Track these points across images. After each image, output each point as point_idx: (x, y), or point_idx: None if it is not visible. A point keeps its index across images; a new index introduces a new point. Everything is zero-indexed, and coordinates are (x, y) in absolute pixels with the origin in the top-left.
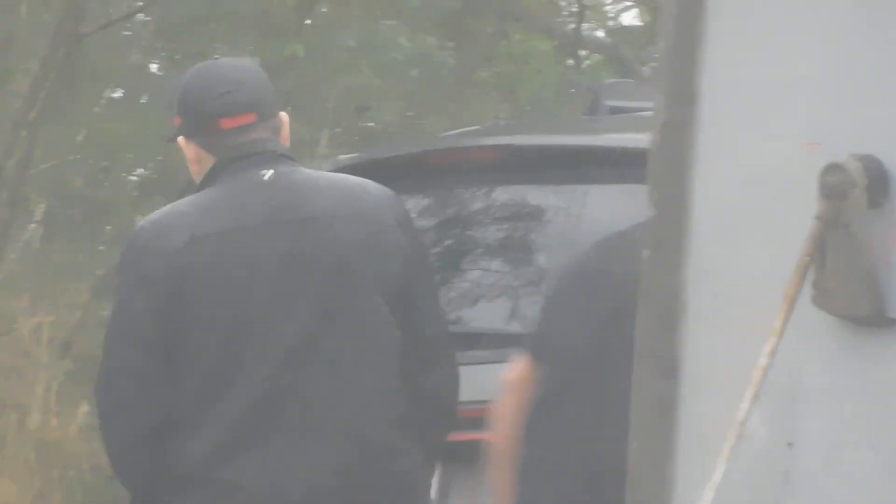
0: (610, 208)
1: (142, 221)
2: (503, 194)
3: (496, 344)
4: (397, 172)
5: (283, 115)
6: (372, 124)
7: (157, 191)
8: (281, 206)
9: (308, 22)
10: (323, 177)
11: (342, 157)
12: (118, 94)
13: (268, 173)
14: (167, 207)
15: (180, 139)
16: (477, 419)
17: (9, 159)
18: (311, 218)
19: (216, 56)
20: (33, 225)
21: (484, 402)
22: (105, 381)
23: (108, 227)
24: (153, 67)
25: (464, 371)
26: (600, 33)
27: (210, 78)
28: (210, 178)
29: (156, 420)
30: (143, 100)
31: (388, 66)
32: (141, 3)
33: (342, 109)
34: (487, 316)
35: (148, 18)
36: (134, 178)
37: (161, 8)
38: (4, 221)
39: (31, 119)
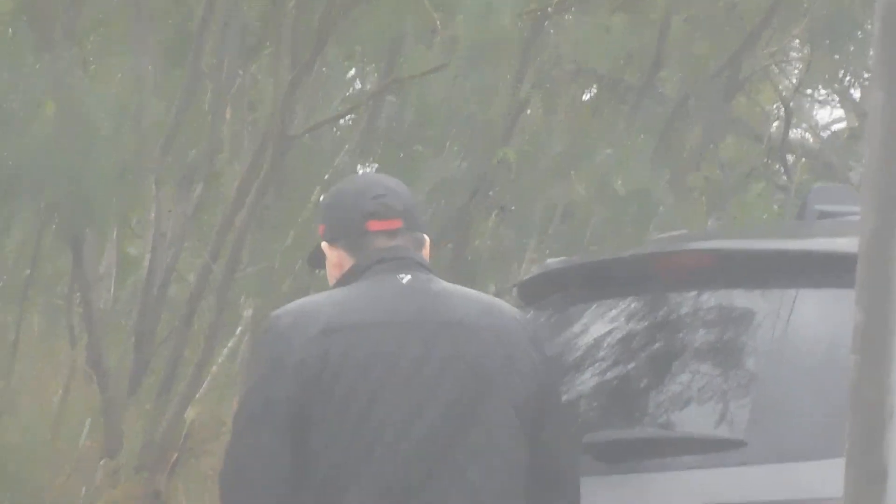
0: (819, 313)
1: (277, 311)
2: (712, 298)
3: (705, 449)
4: (607, 276)
5: (426, 237)
6: (579, 229)
7: None
8: (419, 308)
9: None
10: (458, 288)
11: (550, 260)
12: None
13: (406, 277)
14: (303, 299)
15: (323, 244)
16: None
17: (215, 263)
18: (450, 322)
19: (425, 158)
20: (239, 329)
21: None
22: (234, 463)
23: None
24: (360, 170)
25: (674, 476)
26: (808, 136)
27: (363, 183)
28: (348, 277)
29: (283, 502)
30: None
31: (601, 192)
32: (349, 106)
33: (550, 214)
34: (697, 419)
35: (355, 119)
36: None
37: (369, 110)
38: (212, 325)
39: (237, 223)
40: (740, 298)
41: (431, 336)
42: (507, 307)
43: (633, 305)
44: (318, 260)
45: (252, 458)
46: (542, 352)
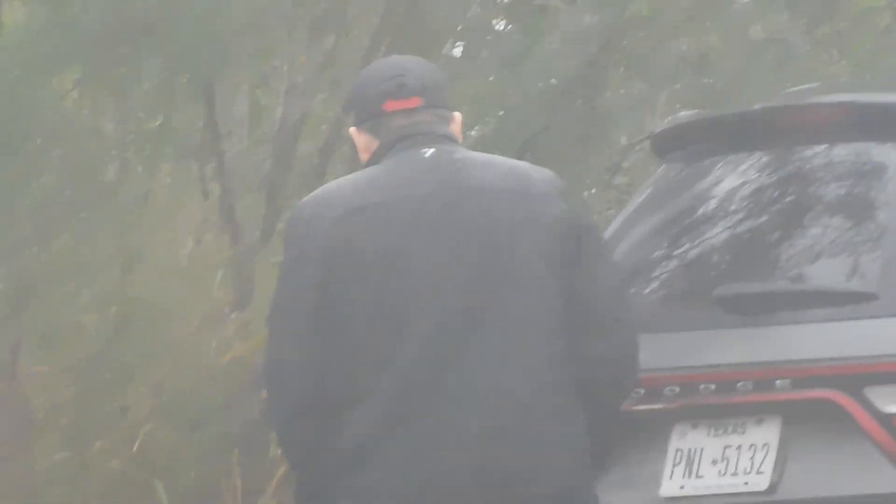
0: None
1: (304, 199)
2: (843, 151)
3: (837, 301)
4: (736, 130)
5: (457, 115)
6: (711, 81)
7: (496, 148)
8: (441, 179)
9: None
10: (483, 156)
11: (682, 113)
12: (457, 50)
13: (429, 151)
14: (326, 185)
15: (352, 130)
16: (817, 377)
17: (347, 115)
18: (472, 189)
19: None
20: None
21: (828, 359)
22: (271, 354)
23: None
24: (494, 24)
25: (804, 329)
26: None
27: (381, 67)
28: (374, 159)
29: (320, 392)
30: (484, 55)
31: (738, 42)
32: None
33: (682, 67)
34: (828, 273)
35: None
36: (472, 134)
37: None
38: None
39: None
40: (872, 151)
41: (454, 204)
42: (531, 169)
43: (764, 159)
44: None
45: (285, 350)
46: (574, 203)
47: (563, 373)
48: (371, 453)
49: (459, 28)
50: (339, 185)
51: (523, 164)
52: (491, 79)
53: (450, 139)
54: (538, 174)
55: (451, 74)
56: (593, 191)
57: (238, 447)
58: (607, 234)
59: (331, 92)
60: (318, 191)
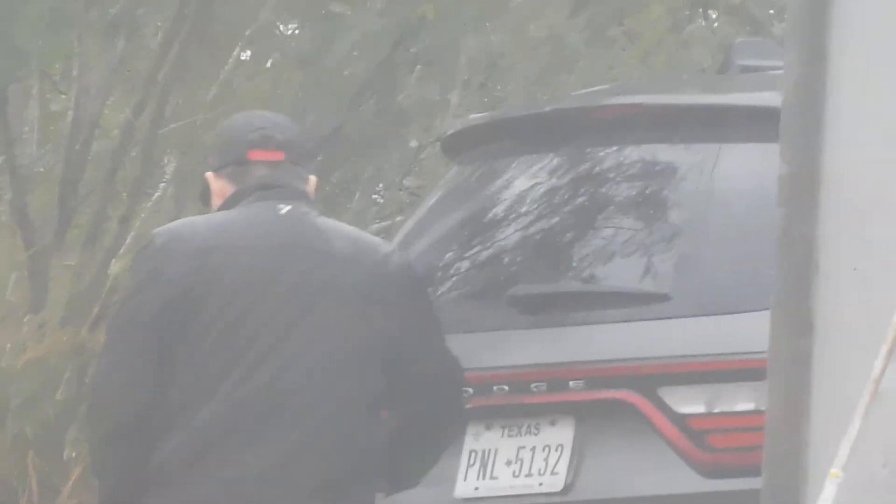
0: (742, 166)
1: (158, 229)
2: (635, 152)
3: (630, 302)
4: (529, 131)
5: (313, 178)
6: (500, 88)
7: None
8: (292, 236)
9: None
10: (335, 223)
11: (473, 116)
12: (246, 55)
13: (285, 208)
14: (182, 220)
15: (208, 174)
16: (611, 378)
17: (139, 117)
18: (320, 252)
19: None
20: (163, 184)
21: (621, 359)
22: (100, 371)
23: None
24: (282, 28)
25: (597, 329)
26: None
27: (249, 117)
28: (227, 203)
29: (139, 416)
30: (271, 61)
31: (517, 40)
32: None
33: (472, 70)
34: (620, 274)
35: None
36: None
37: None
38: (137, 179)
39: (161, 77)
40: (664, 152)
41: (300, 265)
42: (380, 242)
43: (556, 160)
44: (207, 197)
45: (113, 370)
46: (410, 283)
47: (363, 438)
48: (173, 475)
49: (249, 32)
50: (193, 222)
51: (372, 240)
52: (283, 81)
53: (306, 199)
54: (388, 253)
55: (242, 76)
56: (383, 193)
57: (34, 448)
58: (399, 235)
59: (122, 94)
60: (174, 224)
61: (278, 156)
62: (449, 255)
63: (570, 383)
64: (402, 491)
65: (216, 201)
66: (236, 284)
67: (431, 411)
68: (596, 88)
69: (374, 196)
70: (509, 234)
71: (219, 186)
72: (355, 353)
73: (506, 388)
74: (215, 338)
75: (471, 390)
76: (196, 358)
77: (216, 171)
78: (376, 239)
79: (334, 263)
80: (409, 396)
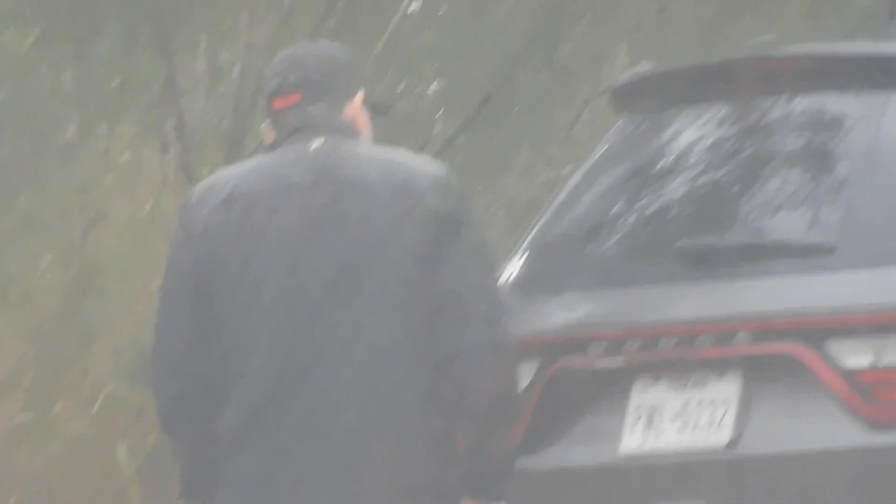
0: None
1: (199, 183)
2: (803, 103)
3: (796, 254)
4: (696, 82)
5: (358, 96)
6: (668, 38)
7: (456, 104)
8: (320, 171)
9: None
10: (369, 149)
11: (641, 67)
12: (415, 6)
13: (315, 143)
14: (222, 170)
15: (263, 126)
16: (778, 331)
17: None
18: (349, 182)
19: None
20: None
21: (789, 312)
22: (156, 337)
23: (403, 144)
24: None
25: (765, 282)
26: None
27: (273, 64)
28: (269, 151)
29: (202, 375)
30: (441, 12)
31: None
32: None
33: (642, 20)
34: (788, 226)
35: None
36: (432, 92)
37: None
38: None
39: (326, 30)
40: (831, 103)
41: (331, 197)
42: (416, 163)
43: (723, 111)
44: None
45: (168, 334)
46: (451, 196)
47: (424, 369)
48: (243, 440)
49: None
50: (228, 171)
51: (408, 159)
52: (450, 34)
53: (342, 129)
54: (421, 169)
55: (410, 30)
56: (550, 147)
57: None
58: (566, 187)
59: (289, 47)
60: (212, 176)
61: (295, 98)
62: (616, 207)
63: (738, 337)
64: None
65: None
66: (260, 228)
67: (467, 355)
68: (764, 38)
69: (541, 149)
70: (676, 187)
71: (267, 135)
72: (391, 280)
73: (673, 341)
74: (247, 288)
75: (637, 344)
76: (231, 313)
77: (265, 124)
78: (421, 161)
79: (365, 190)
80: (444, 319)
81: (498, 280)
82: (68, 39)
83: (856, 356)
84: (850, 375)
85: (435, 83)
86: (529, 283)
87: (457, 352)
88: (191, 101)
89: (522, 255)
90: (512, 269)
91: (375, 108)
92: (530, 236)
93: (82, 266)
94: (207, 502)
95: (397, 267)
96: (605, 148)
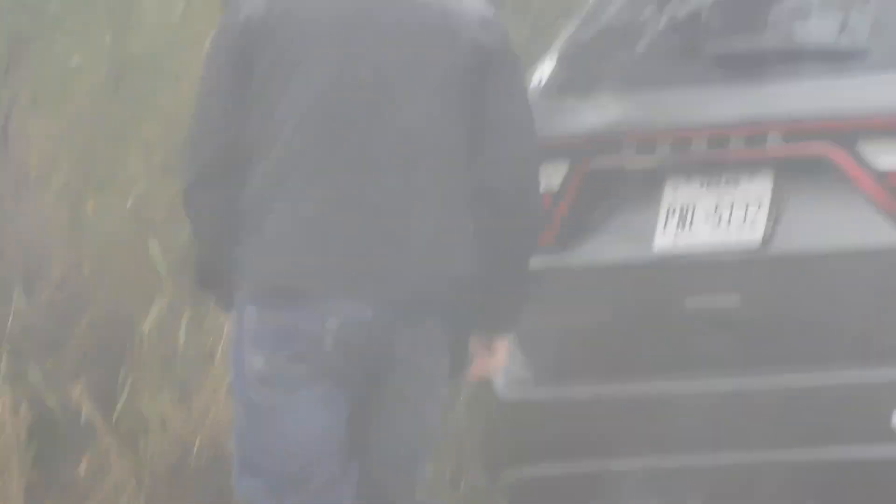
0: None
1: None
2: None
3: (828, 57)
4: None
5: None
6: None
7: None
8: None
9: None
10: None
11: None
12: None
13: None
14: None
15: None
16: (810, 132)
17: None
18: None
19: None
20: None
21: (820, 114)
22: (195, 115)
23: None
24: None
25: (796, 85)
26: None
27: None
28: None
29: (231, 157)
30: None
31: None
32: None
33: None
34: (819, 29)
35: None
36: None
37: None
38: None
39: None
40: None
41: (376, 6)
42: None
43: None
44: None
45: (206, 101)
46: (497, 33)
47: (452, 192)
48: (265, 210)
49: None
50: None
51: None
52: None
53: None
54: (472, 3)
55: None
56: None
57: None
58: None
59: None
60: None
61: None
62: (647, 11)
63: (769, 138)
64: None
65: None
66: (304, 21)
67: (497, 187)
68: None
69: None
70: None
71: None
72: (429, 90)
73: (705, 143)
74: (283, 72)
75: (669, 145)
76: (264, 97)
77: None
78: None
79: (405, 7)
80: (480, 150)
81: (535, 125)
82: None
83: (887, 156)
84: (882, 176)
85: None
86: (561, 86)
87: (489, 186)
88: None
89: (554, 58)
90: (543, 73)
91: None
92: (562, 40)
93: (113, 66)
94: (220, 293)
95: (435, 79)
96: None
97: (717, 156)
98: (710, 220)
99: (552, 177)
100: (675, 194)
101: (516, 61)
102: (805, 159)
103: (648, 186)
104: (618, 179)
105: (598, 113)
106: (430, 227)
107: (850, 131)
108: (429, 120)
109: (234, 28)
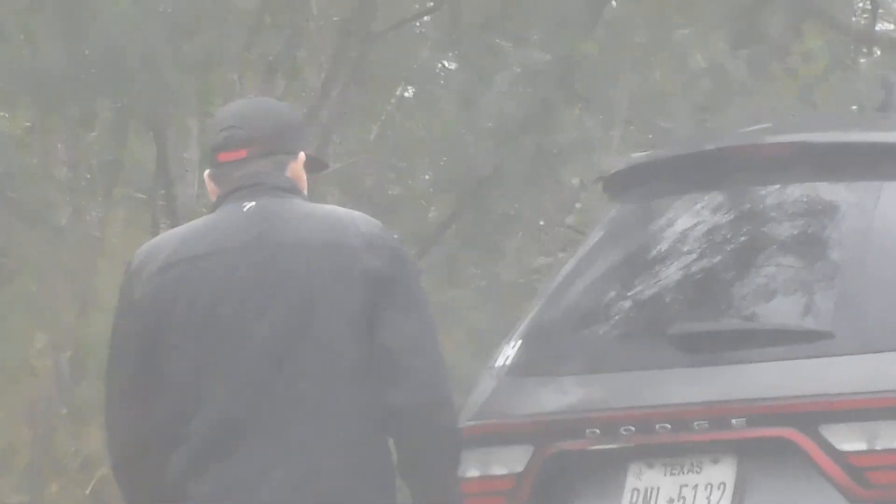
0: None
1: (139, 248)
2: (796, 191)
3: (792, 340)
4: (689, 170)
5: (301, 155)
6: (661, 125)
7: (449, 189)
8: (258, 233)
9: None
10: (308, 207)
11: (634, 155)
12: (409, 92)
13: (249, 205)
14: (164, 233)
15: (206, 175)
16: (776, 415)
17: None
18: (285, 245)
19: (506, 49)
20: None
21: (783, 397)
22: (105, 400)
23: (397, 228)
24: (445, 65)
25: (759, 367)
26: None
27: (221, 115)
28: (213, 207)
29: (147, 439)
30: (435, 97)
31: (679, 73)
32: (432, 4)
33: (634, 107)
34: (783, 311)
35: (437, 13)
36: (426, 178)
37: (452, 6)
38: None
39: (322, 118)
40: (824, 190)
41: (262, 261)
42: (355, 221)
43: (717, 198)
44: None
45: (113, 397)
46: (386, 254)
47: (365, 425)
48: (186, 491)
49: (410, 70)
50: (169, 234)
51: (348, 216)
52: (443, 119)
53: (284, 187)
54: (360, 226)
55: (404, 116)
56: (545, 231)
57: None
58: (562, 272)
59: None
60: (153, 240)
61: (241, 154)
62: (610, 293)
63: (733, 421)
64: None
65: (213, 199)
66: (195, 294)
67: (407, 404)
68: (756, 127)
69: (536, 233)
70: (671, 273)
71: (210, 188)
72: (324, 337)
73: (668, 426)
74: (189, 351)
75: (632, 428)
76: (178, 373)
77: (208, 174)
78: (357, 216)
79: (298, 251)
80: (381, 376)
81: (436, 339)
82: (60, 125)
83: (850, 441)
84: (845, 459)
85: (428, 169)
86: (525, 367)
87: (394, 409)
88: (184, 188)
89: (518, 339)
90: (508, 354)
91: (313, 165)
92: (525, 321)
93: (75, 349)
94: None
95: (333, 326)
96: (599, 235)
97: (679, 439)
98: None
99: (515, 459)
100: (639, 478)
101: (409, 277)
102: (768, 441)
103: (611, 471)
104: (581, 463)
105: (561, 395)
106: (344, 464)
107: (812, 413)
108: (336, 361)
109: (127, 313)
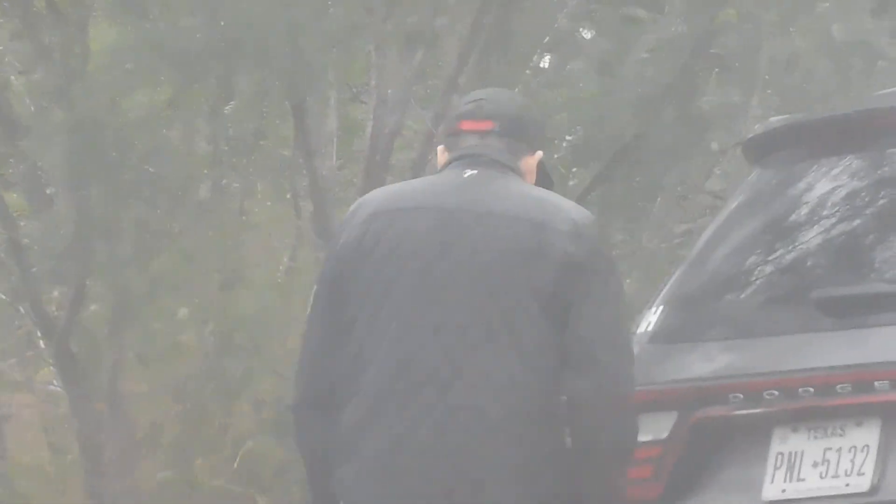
0: None
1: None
2: None
3: None
4: (829, 134)
5: (538, 154)
6: (801, 91)
7: (591, 156)
8: (467, 199)
9: None
10: (522, 187)
11: (773, 119)
12: (545, 62)
13: (470, 172)
14: (385, 186)
15: (439, 147)
16: None
17: (438, 127)
18: (489, 214)
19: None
20: None
21: None
22: (302, 340)
23: None
24: (581, 33)
25: None
26: None
27: (475, 92)
28: (439, 172)
29: (330, 386)
30: (572, 66)
31: (821, 42)
32: None
33: (773, 72)
34: None
35: None
36: (564, 144)
37: None
38: None
39: (460, 84)
40: None
41: (468, 225)
42: (561, 207)
43: (856, 162)
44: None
45: (308, 338)
46: (588, 240)
47: (538, 405)
48: (353, 447)
49: (547, 40)
50: (386, 188)
51: (563, 202)
52: (581, 86)
53: (508, 166)
54: (571, 213)
55: (541, 84)
56: (686, 197)
57: None
58: (702, 239)
59: (420, 105)
60: (377, 189)
61: (486, 125)
62: (752, 258)
63: (876, 384)
64: None
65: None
66: (395, 244)
67: (585, 392)
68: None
69: (677, 199)
70: (812, 237)
71: (441, 157)
72: (510, 310)
73: (811, 390)
74: (375, 297)
75: (776, 393)
76: (361, 319)
77: (442, 142)
78: (571, 205)
79: (505, 220)
80: (570, 365)
81: (629, 334)
82: (200, 101)
83: None
84: None
85: (569, 136)
86: (668, 334)
87: (578, 401)
88: (323, 161)
89: (660, 306)
90: (650, 320)
91: (544, 177)
92: (668, 287)
93: (220, 324)
94: None
95: (521, 302)
96: (739, 199)
97: (823, 403)
98: (818, 468)
99: (659, 427)
100: (783, 443)
101: (608, 270)
102: None
103: (756, 435)
104: (725, 429)
105: (705, 361)
106: (518, 451)
107: None
108: (516, 348)
109: (331, 257)
